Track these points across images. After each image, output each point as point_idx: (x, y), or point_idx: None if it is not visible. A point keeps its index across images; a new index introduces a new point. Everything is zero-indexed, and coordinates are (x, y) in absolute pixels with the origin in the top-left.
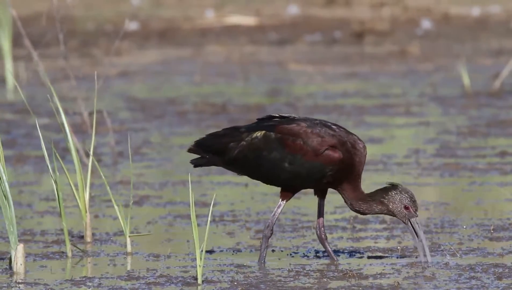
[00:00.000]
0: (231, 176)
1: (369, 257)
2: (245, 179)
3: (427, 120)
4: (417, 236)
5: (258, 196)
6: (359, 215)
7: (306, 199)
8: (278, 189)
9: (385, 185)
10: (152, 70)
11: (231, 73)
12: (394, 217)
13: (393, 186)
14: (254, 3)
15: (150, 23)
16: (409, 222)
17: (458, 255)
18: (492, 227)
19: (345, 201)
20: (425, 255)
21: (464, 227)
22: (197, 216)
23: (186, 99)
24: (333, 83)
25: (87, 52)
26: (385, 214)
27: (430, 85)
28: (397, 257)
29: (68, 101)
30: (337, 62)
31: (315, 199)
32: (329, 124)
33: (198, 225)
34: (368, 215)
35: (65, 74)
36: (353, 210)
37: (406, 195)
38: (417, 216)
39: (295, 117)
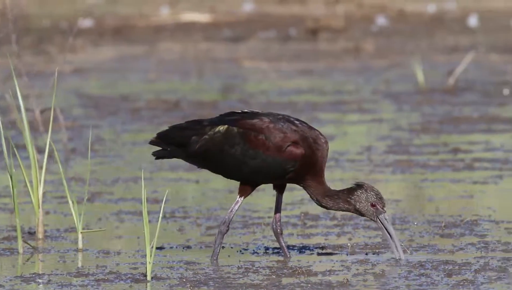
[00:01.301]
0: (182, 173)
1: (319, 254)
2: (196, 175)
3: (380, 117)
4: (388, 232)
5: (209, 193)
6: (310, 212)
7: (257, 196)
8: (230, 185)
9: (351, 185)
10: (106, 67)
11: (186, 70)
12: (349, 214)
13: (358, 186)
14: (208, 0)
15: (105, 20)
16: (378, 219)
17: (409, 251)
18: (443, 224)
19: (311, 197)
20: (397, 251)
21: (415, 223)
22: (148, 212)
23: (140, 96)
24: (287, 80)
25: (41, 49)
26: (352, 212)
27: (384, 82)
28: (347, 254)
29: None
30: (292, 59)
31: (265, 196)
32: (292, 119)
33: (149, 221)
34: (318, 211)
35: (19, 72)
36: (319, 206)
37: (372, 193)
38: (385, 212)
39: (258, 112)
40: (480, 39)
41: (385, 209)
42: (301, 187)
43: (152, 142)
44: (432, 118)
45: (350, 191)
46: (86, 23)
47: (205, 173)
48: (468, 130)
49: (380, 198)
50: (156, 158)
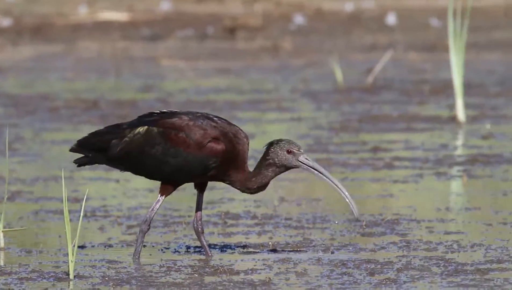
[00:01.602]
0: (102, 172)
1: (240, 253)
2: (116, 175)
3: (299, 115)
4: (314, 168)
5: (130, 192)
6: (230, 211)
7: (178, 195)
8: (150, 184)
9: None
10: (25, 66)
11: (104, 69)
12: (269, 213)
13: (269, 144)
14: None
15: (23, 19)
16: (300, 162)
17: (330, 250)
18: (364, 223)
19: (240, 191)
20: (335, 184)
21: (336, 222)
22: (69, 211)
23: (59, 95)
24: (205, 78)
25: None
26: (280, 172)
27: (303, 80)
28: (269, 253)
29: None
30: (210, 57)
31: (185, 195)
32: (211, 116)
33: (70, 220)
34: (239, 210)
35: None
36: (252, 193)
37: (282, 142)
38: (302, 153)
39: (176, 111)
40: (398, 37)
41: (301, 150)
42: (226, 185)
43: (72, 150)
44: (351, 117)
45: (265, 154)
46: (4, 22)
47: (125, 173)
48: (388, 128)
49: (291, 143)
50: (78, 166)
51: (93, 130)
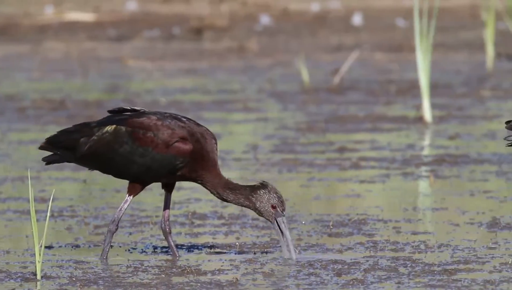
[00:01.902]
0: (69, 172)
1: (207, 253)
2: (83, 175)
3: (266, 116)
4: (283, 235)
5: (97, 192)
6: (197, 211)
7: (144, 195)
8: (117, 184)
9: (255, 183)
10: None
11: (70, 69)
12: (236, 212)
13: (263, 185)
14: (93, 0)
15: None
16: (275, 221)
17: (297, 251)
18: (331, 223)
19: (211, 192)
20: (289, 252)
21: (303, 222)
22: (36, 211)
23: (25, 95)
24: (171, 79)
25: None
26: (251, 209)
27: (269, 81)
28: (236, 253)
29: None
30: (176, 58)
31: (152, 195)
32: (179, 116)
33: (37, 220)
34: (206, 211)
35: None
36: (220, 198)
37: (274, 195)
38: (284, 215)
39: (145, 110)
40: (364, 37)
41: (284, 213)
42: (193, 185)
43: (41, 147)
44: (318, 117)
45: (253, 189)
46: None
47: (93, 173)
48: (354, 129)
49: (281, 201)
50: (47, 164)
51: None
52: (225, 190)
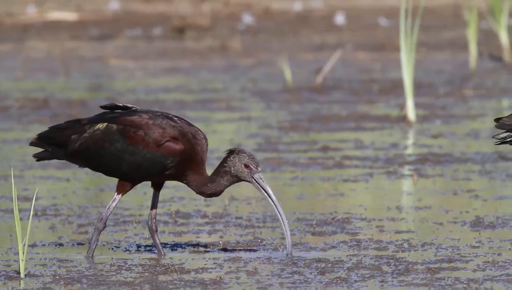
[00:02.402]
0: (53, 171)
1: (191, 252)
2: (67, 173)
3: (249, 115)
4: (264, 190)
5: (80, 191)
6: (181, 209)
7: (128, 194)
8: (101, 183)
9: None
10: None
11: (53, 68)
12: (220, 211)
13: (230, 152)
14: None
15: None
16: (253, 179)
17: (281, 250)
18: (314, 222)
19: (196, 192)
20: (278, 211)
21: (287, 221)
22: (19, 210)
23: (8, 94)
24: (154, 78)
25: None
26: (234, 182)
27: (252, 80)
28: (219, 252)
29: None
30: (158, 57)
31: (136, 194)
32: (171, 116)
33: (21, 219)
34: (189, 209)
35: None
36: (206, 197)
37: (243, 155)
38: (259, 171)
39: (137, 108)
40: (347, 37)
41: (259, 168)
42: (177, 184)
43: (32, 143)
44: (301, 116)
45: (223, 160)
46: None
47: (76, 172)
48: (337, 128)
49: (252, 158)
50: (38, 160)
51: (44, 129)
52: (207, 185)
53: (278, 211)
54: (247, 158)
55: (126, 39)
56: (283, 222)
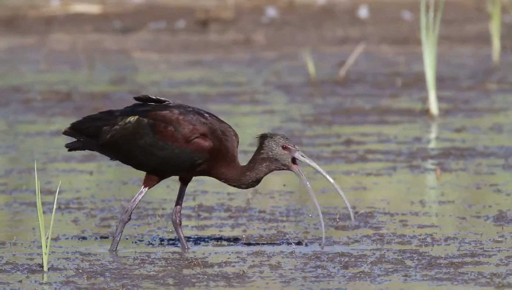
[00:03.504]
0: (76, 164)
1: (214, 245)
2: (90, 166)
3: (272, 108)
4: (312, 166)
5: (104, 184)
6: (204, 203)
7: (152, 188)
8: (124, 176)
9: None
10: None
11: (76, 61)
12: (243, 205)
13: (262, 137)
14: None
15: None
16: (295, 159)
17: (304, 243)
18: (338, 216)
19: (235, 186)
20: (332, 183)
21: (310, 215)
22: (42, 203)
23: (32, 87)
24: (177, 71)
25: None
26: (273, 168)
27: (275, 73)
28: (242, 246)
29: None
30: (182, 50)
31: (159, 188)
32: (202, 112)
33: (44, 212)
34: (212, 203)
35: None
36: (246, 188)
37: (277, 137)
38: (298, 150)
39: (169, 103)
40: (370, 30)
41: (296, 147)
42: (200, 178)
43: (65, 133)
44: (324, 110)
45: (258, 148)
46: None
47: (99, 165)
48: (360, 121)
49: (287, 138)
50: (69, 150)
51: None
52: (244, 175)
53: (332, 182)
54: (283, 140)
55: (150, 32)
56: (340, 191)
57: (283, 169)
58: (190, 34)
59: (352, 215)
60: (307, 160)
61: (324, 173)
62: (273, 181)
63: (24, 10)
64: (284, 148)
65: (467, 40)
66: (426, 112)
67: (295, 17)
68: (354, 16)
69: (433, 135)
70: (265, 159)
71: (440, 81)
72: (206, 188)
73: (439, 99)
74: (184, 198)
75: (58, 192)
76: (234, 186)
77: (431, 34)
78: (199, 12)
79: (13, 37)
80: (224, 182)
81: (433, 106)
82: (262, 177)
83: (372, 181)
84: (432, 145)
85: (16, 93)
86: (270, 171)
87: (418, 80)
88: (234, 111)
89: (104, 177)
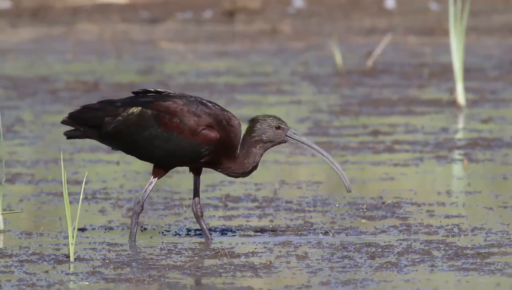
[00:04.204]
0: (102, 154)
1: (241, 236)
2: (117, 156)
3: (299, 98)
4: (303, 143)
5: (130, 174)
6: (231, 193)
7: (178, 177)
8: (151, 167)
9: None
10: (24, 48)
11: (103, 51)
12: (270, 196)
13: (253, 120)
14: None
15: (22, 2)
16: (288, 138)
17: (331, 234)
18: (365, 206)
19: (236, 176)
20: (323, 155)
21: (337, 205)
22: (69, 193)
23: (58, 77)
24: (204, 61)
25: None
26: (268, 147)
27: (302, 63)
28: (269, 236)
29: None
30: (208, 40)
31: (186, 178)
32: (205, 101)
33: (70, 202)
34: (239, 193)
35: None
36: (245, 175)
37: (268, 118)
38: (290, 128)
39: (170, 93)
40: (397, 21)
41: (288, 125)
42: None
43: (64, 122)
44: (351, 100)
45: (248, 132)
46: (3, 4)
47: (126, 155)
48: (388, 112)
49: (278, 118)
50: (68, 138)
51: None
52: (243, 163)
53: (324, 156)
54: (275, 121)
55: (177, 22)
56: (334, 164)
57: (279, 144)
58: (217, 24)
59: (346, 185)
60: (300, 138)
61: (316, 147)
62: (300, 171)
63: (51, 0)
64: (278, 128)
65: (494, 31)
66: (453, 102)
67: (322, 7)
68: (381, 6)
69: (460, 125)
70: (258, 142)
71: (467, 71)
72: (233, 178)
73: (466, 89)
74: (211, 188)
75: (85, 182)
76: (234, 176)
77: (459, 24)
78: (226, 2)
79: (40, 28)
80: (225, 173)
81: (460, 96)
82: (259, 160)
83: (399, 172)
84: (459, 135)
85: (43, 83)
86: (265, 151)
87: (445, 71)
88: (261, 101)
89: (130, 168)
